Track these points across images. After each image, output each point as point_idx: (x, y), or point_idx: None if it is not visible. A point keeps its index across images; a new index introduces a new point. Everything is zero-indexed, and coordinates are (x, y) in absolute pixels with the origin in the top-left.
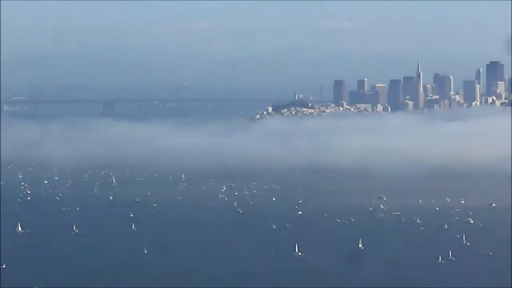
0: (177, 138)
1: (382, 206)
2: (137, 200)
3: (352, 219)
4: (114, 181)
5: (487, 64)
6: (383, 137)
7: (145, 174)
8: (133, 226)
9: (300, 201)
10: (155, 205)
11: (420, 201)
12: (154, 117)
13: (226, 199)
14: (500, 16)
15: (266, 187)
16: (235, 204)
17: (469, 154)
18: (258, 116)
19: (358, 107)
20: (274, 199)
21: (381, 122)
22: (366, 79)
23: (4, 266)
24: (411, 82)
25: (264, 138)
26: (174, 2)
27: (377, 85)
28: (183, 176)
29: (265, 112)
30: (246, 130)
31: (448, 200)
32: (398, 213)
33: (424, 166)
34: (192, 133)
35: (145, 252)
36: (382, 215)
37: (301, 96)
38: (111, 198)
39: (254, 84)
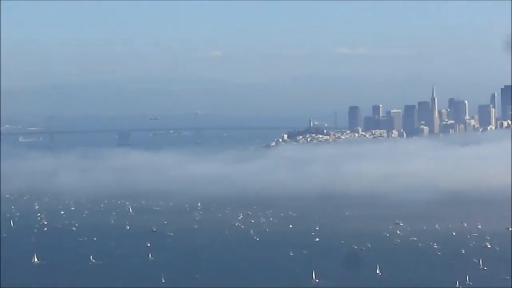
0: (193, 166)
1: (398, 232)
2: (154, 229)
3: (369, 245)
4: (130, 211)
5: (501, 88)
6: (398, 163)
7: (161, 203)
8: (150, 255)
9: (317, 228)
10: (172, 234)
11: (436, 226)
12: (170, 146)
13: (242, 227)
14: None
15: (282, 214)
16: (252, 231)
17: (484, 178)
18: (273, 144)
19: (373, 133)
20: (291, 226)
21: (396, 148)
22: (381, 105)
23: None
24: (426, 107)
25: (280, 165)
26: (187, 31)
27: (392, 111)
28: (199, 204)
29: (280, 140)
30: (262, 158)
31: (465, 225)
32: (415, 239)
33: (439, 191)
34: (208, 161)
35: (163, 281)
36: (399, 240)
37: (316, 123)
38: (128, 227)
39: (269, 111)
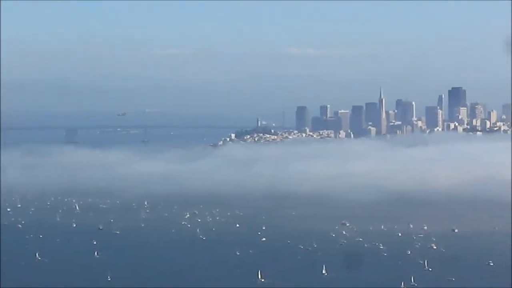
0: (140, 164)
1: (344, 232)
2: (100, 227)
3: (315, 245)
4: (77, 208)
5: (449, 90)
6: (344, 163)
7: (108, 201)
8: (96, 253)
9: (264, 228)
10: (118, 232)
11: (382, 227)
12: (117, 144)
13: (189, 226)
14: (464, 44)
15: (229, 213)
16: (198, 230)
17: (430, 180)
18: (221, 143)
19: (320, 133)
20: (238, 225)
21: (342, 148)
22: (328, 106)
23: None
24: (373, 108)
25: (226, 164)
26: (141, 29)
27: (339, 111)
28: (146, 203)
29: (228, 139)
30: (208, 157)
31: (411, 226)
32: (360, 239)
33: (385, 192)
34: (154, 159)
35: (109, 279)
36: (345, 241)
37: (264, 122)
38: (74, 225)
39: (217, 110)
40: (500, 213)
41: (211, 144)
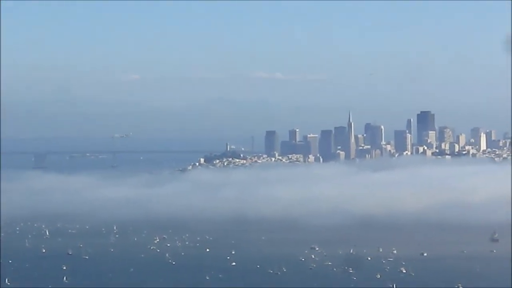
0: (108, 189)
1: (314, 256)
2: (70, 252)
3: (285, 270)
4: (47, 233)
5: (417, 114)
6: (311, 187)
7: (77, 226)
8: (65, 278)
9: (233, 252)
10: (87, 257)
11: (351, 251)
12: (86, 169)
13: (158, 250)
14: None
15: (198, 238)
16: (168, 255)
17: (397, 204)
18: (190, 167)
19: (290, 157)
20: (208, 250)
21: (310, 173)
22: (297, 130)
23: None
24: (342, 132)
25: (193, 189)
26: (105, 54)
27: (308, 136)
28: (115, 227)
29: (197, 163)
30: (176, 181)
31: (381, 250)
32: (330, 263)
33: (352, 216)
34: (123, 184)
35: None
36: (315, 265)
37: (233, 147)
38: (44, 250)
39: (187, 135)
40: (467, 236)
41: (180, 169)
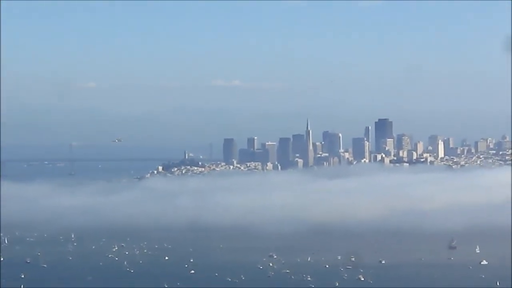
0: (66, 197)
1: (272, 264)
2: (28, 261)
3: (243, 278)
4: (5, 241)
5: (375, 122)
6: (267, 195)
7: (35, 234)
8: (22, 286)
9: (191, 260)
10: (45, 265)
11: (309, 259)
12: (43, 177)
13: (116, 258)
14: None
15: (157, 246)
16: (126, 263)
17: (353, 211)
18: (148, 175)
19: (248, 165)
20: (167, 258)
21: (266, 180)
22: (255, 138)
23: None
24: (300, 140)
25: (150, 197)
26: (63, 61)
27: (267, 143)
28: (73, 235)
29: (155, 171)
30: (134, 189)
31: (339, 258)
32: (288, 271)
33: (307, 224)
34: (80, 192)
35: None
36: (273, 273)
37: (191, 155)
38: (2, 258)
39: (145, 143)
40: (425, 244)
41: (138, 177)
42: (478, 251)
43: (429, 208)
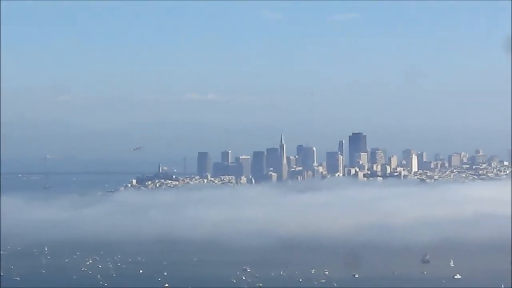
0: (40, 211)
1: (245, 278)
2: (1, 274)
3: None
4: None
5: (349, 136)
6: (238, 209)
7: (9, 247)
8: None
9: (165, 273)
10: (19, 278)
11: (282, 273)
12: (18, 190)
13: (90, 272)
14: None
15: (130, 259)
16: (99, 276)
17: (324, 225)
18: (122, 188)
19: (222, 179)
20: (141, 271)
21: (238, 194)
22: (230, 151)
23: None
24: (274, 154)
25: (123, 210)
26: (38, 75)
27: (241, 157)
28: (46, 249)
29: (129, 185)
30: (106, 203)
31: (313, 271)
32: (261, 285)
33: (279, 237)
34: (54, 206)
35: None
36: (246, 286)
37: (165, 168)
38: None
39: (120, 156)
40: (397, 258)
41: (112, 190)
42: (452, 265)
43: (399, 222)
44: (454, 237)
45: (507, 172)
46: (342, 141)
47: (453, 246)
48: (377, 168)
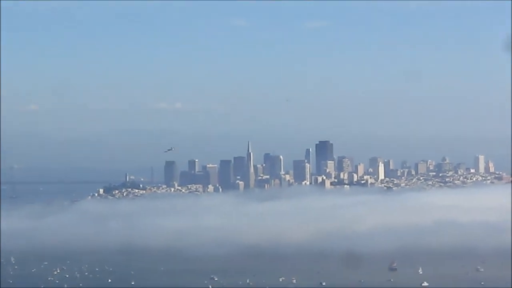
0: (5, 220)
1: (211, 287)
2: None
3: None
4: None
5: (316, 144)
6: (201, 218)
7: None
8: None
9: (133, 283)
10: None
11: (248, 281)
12: None
13: (57, 281)
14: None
15: (97, 269)
16: (66, 286)
17: (286, 233)
18: (89, 198)
19: (189, 187)
20: (110, 280)
21: (203, 203)
22: (197, 160)
23: None
24: (241, 162)
25: (85, 220)
26: (3, 83)
27: (208, 166)
28: (12, 259)
29: (96, 194)
30: (70, 212)
31: (281, 280)
32: None
33: (241, 246)
34: (20, 216)
35: None
36: None
37: (132, 177)
38: None
39: (86, 166)
40: (363, 266)
41: (78, 200)
42: (421, 272)
43: (361, 229)
44: (416, 244)
45: (473, 179)
46: (309, 149)
47: (417, 253)
48: (344, 176)
